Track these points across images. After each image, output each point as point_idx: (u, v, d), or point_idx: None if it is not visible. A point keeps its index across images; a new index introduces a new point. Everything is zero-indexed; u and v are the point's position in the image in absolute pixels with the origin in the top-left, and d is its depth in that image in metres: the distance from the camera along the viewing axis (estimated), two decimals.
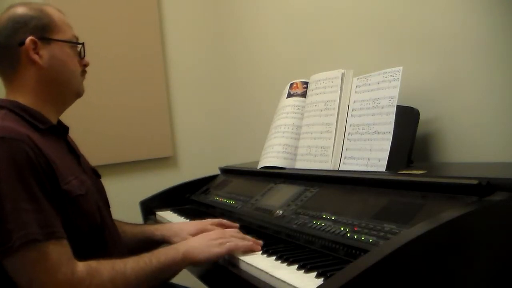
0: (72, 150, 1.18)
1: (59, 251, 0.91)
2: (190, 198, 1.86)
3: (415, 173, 1.05)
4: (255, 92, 2.38)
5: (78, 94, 1.19)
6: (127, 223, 1.37)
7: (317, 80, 1.49)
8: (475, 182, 0.85)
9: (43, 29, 1.09)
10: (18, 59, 1.07)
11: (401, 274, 0.69)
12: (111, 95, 2.45)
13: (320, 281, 0.83)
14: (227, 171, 1.89)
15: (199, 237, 1.10)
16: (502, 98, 1.14)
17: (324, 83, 1.45)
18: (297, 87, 1.59)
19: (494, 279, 0.79)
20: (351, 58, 1.65)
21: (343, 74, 1.40)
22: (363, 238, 0.92)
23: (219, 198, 1.65)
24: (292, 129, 1.53)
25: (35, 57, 1.07)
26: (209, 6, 2.73)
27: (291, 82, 1.62)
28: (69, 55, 1.13)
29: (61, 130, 1.15)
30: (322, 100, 1.43)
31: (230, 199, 1.56)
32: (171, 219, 1.62)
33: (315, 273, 0.86)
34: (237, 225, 1.27)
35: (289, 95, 1.60)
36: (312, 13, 1.87)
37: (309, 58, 1.91)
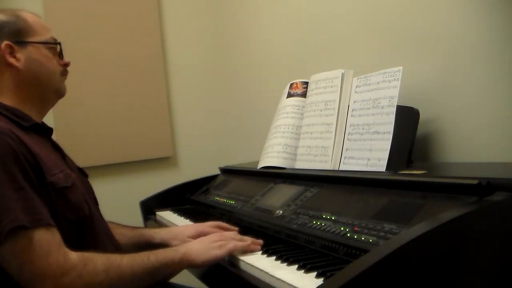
0: (57, 148, 1.18)
1: (48, 238, 0.90)
2: (190, 198, 1.86)
3: (415, 173, 1.05)
4: (255, 92, 2.38)
5: (59, 93, 1.19)
6: (125, 226, 1.36)
7: (317, 80, 1.49)
8: (475, 182, 0.85)
9: (18, 33, 1.11)
10: None
11: (401, 274, 0.69)
12: (111, 95, 2.45)
13: (320, 281, 0.83)
14: (227, 171, 1.89)
15: (199, 240, 1.10)
16: (502, 98, 1.14)
17: (324, 83, 1.45)
18: (297, 87, 1.59)
19: (494, 279, 0.79)
20: (351, 58, 1.64)
21: (343, 74, 1.40)
22: (363, 238, 0.92)
23: (219, 198, 1.65)
24: (292, 129, 1.53)
25: (12, 60, 1.09)
26: (209, 6, 2.73)
27: (291, 82, 1.62)
28: (46, 56, 1.15)
29: (44, 129, 1.15)
30: (322, 100, 1.43)
31: (230, 199, 1.56)
32: (171, 219, 1.62)
33: (315, 273, 0.86)
34: (236, 228, 1.27)
35: (289, 95, 1.60)
36: (312, 13, 1.87)
37: (309, 58, 1.91)
